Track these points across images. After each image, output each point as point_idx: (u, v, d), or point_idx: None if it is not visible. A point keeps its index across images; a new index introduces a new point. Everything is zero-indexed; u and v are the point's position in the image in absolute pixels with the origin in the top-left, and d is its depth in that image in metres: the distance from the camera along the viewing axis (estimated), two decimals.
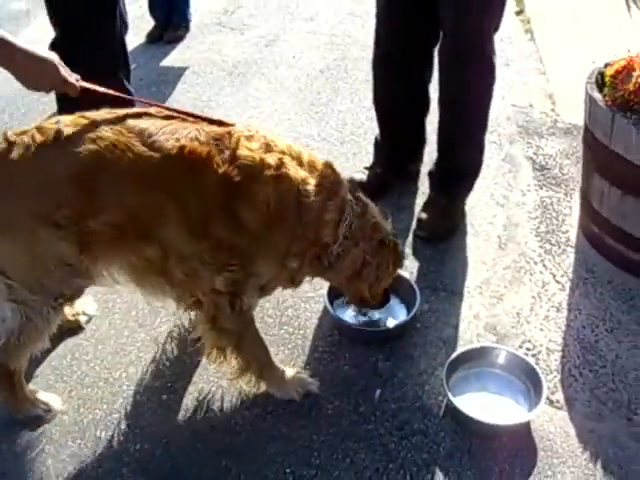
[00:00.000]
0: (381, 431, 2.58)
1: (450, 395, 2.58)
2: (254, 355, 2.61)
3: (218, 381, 2.75)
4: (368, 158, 3.89)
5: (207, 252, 2.34)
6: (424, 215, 3.49)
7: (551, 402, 2.68)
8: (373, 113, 3.85)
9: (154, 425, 2.62)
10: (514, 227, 3.55)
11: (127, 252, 2.38)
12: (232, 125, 2.43)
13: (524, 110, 4.53)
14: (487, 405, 2.64)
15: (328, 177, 2.45)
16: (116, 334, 2.98)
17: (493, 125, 4.07)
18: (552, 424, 2.61)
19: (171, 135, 2.27)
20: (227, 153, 2.28)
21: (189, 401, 2.70)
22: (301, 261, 2.46)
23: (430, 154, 3.74)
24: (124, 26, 4.07)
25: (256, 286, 2.48)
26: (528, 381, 2.69)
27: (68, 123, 2.29)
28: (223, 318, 2.46)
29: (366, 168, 3.77)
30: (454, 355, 2.74)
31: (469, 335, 2.96)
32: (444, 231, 3.46)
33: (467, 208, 3.62)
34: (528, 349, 2.90)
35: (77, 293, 2.50)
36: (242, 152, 2.29)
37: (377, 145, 3.80)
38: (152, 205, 2.28)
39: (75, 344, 2.94)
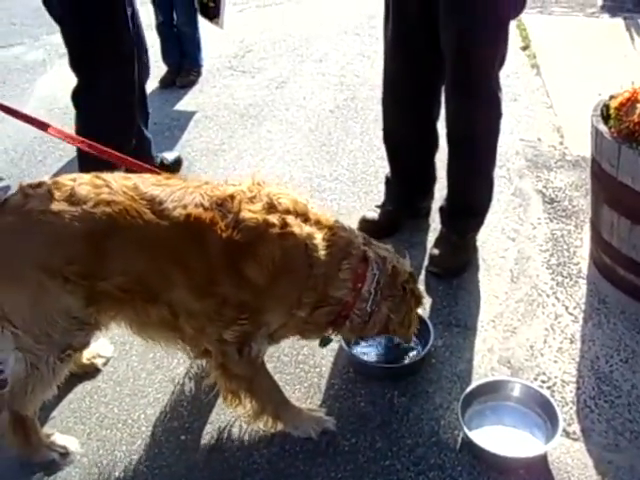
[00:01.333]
0: (398, 467, 2.59)
1: (466, 429, 2.59)
2: (268, 397, 2.65)
3: (235, 420, 2.77)
4: (379, 196, 3.94)
5: (214, 309, 2.39)
6: (436, 251, 3.52)
7: (567, 434, 2.68)
8: (383, 152, 3.91)
9: (173, 465, 2.64)
10: (525, 260, 3.57)
11: (135, 312, 2.44)
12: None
13: (532, 144, 4.58)
14: (503, 438, 2.65)
15: (338, 234, 2.49)
16: (134, 376, 3.02)
17: (502, 160, 4.13)
18: (569, 456, 2.61)
19: (178, 202, 2.34)
20: (230, 217, 2.35)
21: (207, 440, 2.72)
22: (311, 311, 2.49)
23: (440, 190, 3.78)
24: (146, 71, 4.15)
25: (265, 335, 2.52)
26: (544, 413, 2.70)
27: (84, 182, 2.36)
28: (232, 365, 2.51)
29: (377, 206, 3.82)
30: (469, 389, 2.75)
31: (483, 369, 2.98)
32: (456, 266, 3.50)
33: (478, 243, 3.66)
34: (543, 381, 2.91)
35: (83, 345, 2.55)
36: (245, 215, 2.35)
37: (388, 183, 3.86)
38: (160, 271, 2.35)
39: (93, 386, 2.97)
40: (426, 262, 3.54)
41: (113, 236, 2.29)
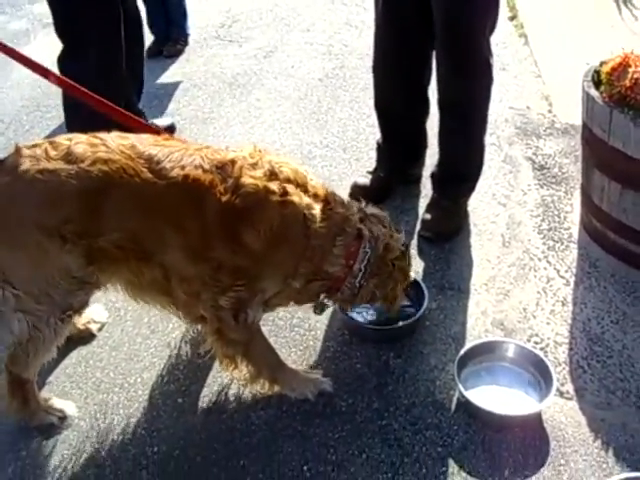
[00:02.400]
0: (395, 426, 2.62)
1: (462, 388, 2.62)
2: (265, 361, 2.67)
3: (232, 382, 2.79)
4: (370, 163, 3.94)
5: (209, 274, 2.39)
6: (428, 216, 3.54)
7: (561, 393, 2.72)
8: (373, 120, 3.92)
9: (171, 428, 2.65)
10: (517, 225, 3.60)
11: (130, 271, 2.44)
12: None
13: (522, 112, 4.59)
14: (498, 398, 2.68)
15: (335, 209, 2.48)
16: (129, 340, 3.03)
17: (492, 127, 4.13)
18: (563, 414, 2.65)
19: (177, 163, 2.33)
20: (230, 181, 2.34)
21: (204, 403, 2.74)
22: (305, 283, 2.50)
23: (432, 157, 3.80)
24: (139, 43, 4.13)
25: (260, 302, 2.52)
26: (537, 373, 2.74)
27: (81, 141, 2.35)
28: (228, 330, 2.51)
29: (369, 172, 3.83)
30: (464, 350, 2.78)
31: (477, 331, 3.01)
32: (448, 231, 3.52)
33: (470, 209, 3.68)
34: (536, 342, 2.94)
35: (83, 304, 2.54)
36: (245, 180, 2.34)
37: (379, 149, 3.86)
38: (154, 230, 2.34)
39: (89, 351, 2.98)
40: (418, 227, 3.55)
41: (109, 194, 2.28)
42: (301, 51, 5.53)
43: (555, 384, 2.65)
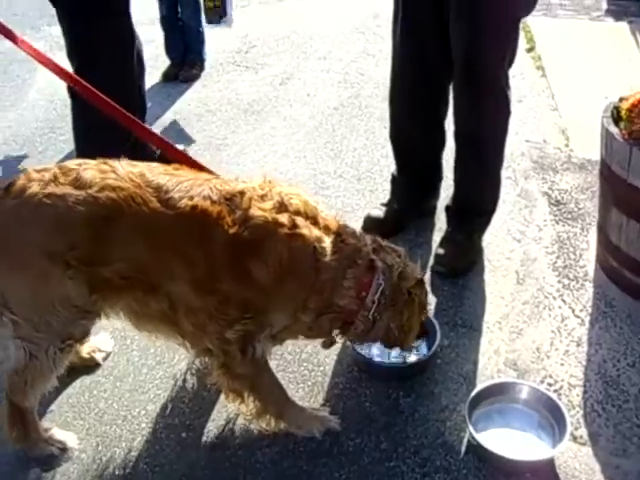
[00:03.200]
0: (403, 468, 2.55)
1: (473, 431, 2.55)
2: (271, 397, 2.60)
3: (238, 418, 2.72)
4: (384, 195, 3.90)
5: (215, 307, 2.34)
6: (441, 251, 3.48)
7: (575, 438, 2.65)
8: (388, 150, 3.88)
9: (174, 463, 2.59)
10: (531, 262, 3.54)
11: (135, 301, 2.40)
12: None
13: (538, 146, 4.54)
14: (510, 441, 2.61)
15: (346, 241, 2.43)
16: (134, 371, 2.97)
17: (508, 161, 4.08)
18: (576, 460, 2.58)
19: (185, 193, 2.29)
20: (238, 213, 2.29)
21: (208, 438, 2.68)
22: (315, 316, 2.43)
23: (446, 189, 3.75)
24: (141, 67, 4.11)
25: (268, 336, 2.47)
26: (551, 417, 2.66)
27: (90, 167, 2.32)
28: (234, 364, 2.46)
29: (383, 204, 3.78)
30: (476, 390, 2.71)
31: (489, 371, 2.94)
32: (462, 266, 3.45)
33: (484, 244, 3.62)
34: (549, 384, 2.87)
35: (84, 334, 2.49)
36: (254, 212, 2.30)
37: (394, 181, 3.81)
38: (161, 261, 2.30)
39: (93, 381, 2.93)
40: (432, 262, 3.50)
41: (116, 222, 2.24)
42: (317, 79, 5.51)
43: (569, 428, 2.57)
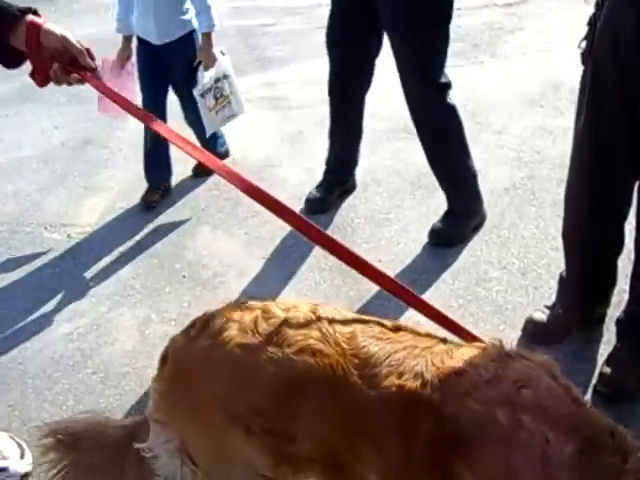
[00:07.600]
0: None
1: None
2: None
3: None
4: (550, 294, 3.67)
5: None
6: (607, 369, 3.20)
7: None
8: (559, 242, 3.63)
9: None
10: None
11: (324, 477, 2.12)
12: (482, 342, 2.03)
13: None
14: None
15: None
16: None
17: None
18: None
19: (395, 368, 1.93)
20: (451, 402, 1.84)
21: None
22: None
23: (618, 295, 3.48)
24: None
25: None
26: None
27: (296, 316, 2.08)
28: None
29: (547, 307, 3.56)
30: None
31: None
32: (630, 390, 3.17)
33: None
34: None
35: None
36: (471, 405, 1.82)
37: (561, 282, 3.57)
38: (352, 447, 1.98)
39: None
40: (594, 380, 3.24)
41: (307, 394, 1.99)
42: (490, 154, 5.31)
43: None
